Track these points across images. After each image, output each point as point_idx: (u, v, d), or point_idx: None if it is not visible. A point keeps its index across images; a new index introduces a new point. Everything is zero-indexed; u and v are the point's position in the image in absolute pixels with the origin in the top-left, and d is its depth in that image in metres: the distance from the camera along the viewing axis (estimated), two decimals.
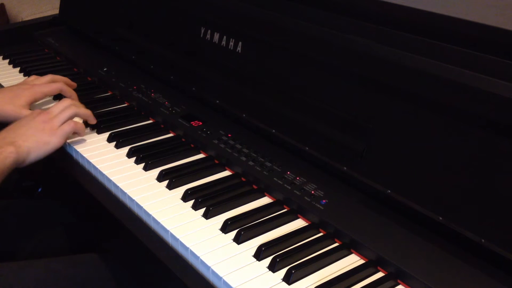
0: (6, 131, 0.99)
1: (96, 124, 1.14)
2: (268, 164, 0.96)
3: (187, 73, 1.23)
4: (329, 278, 0.75)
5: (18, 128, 0.99)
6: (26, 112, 1.09)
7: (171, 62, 1.28)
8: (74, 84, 1.25)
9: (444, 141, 0.81)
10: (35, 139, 0.98)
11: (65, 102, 1.07)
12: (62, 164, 1.09)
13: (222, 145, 1.02)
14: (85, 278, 1.01)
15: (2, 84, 1.36)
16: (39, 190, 1.52)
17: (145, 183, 0.95)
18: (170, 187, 0.93)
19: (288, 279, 0.74)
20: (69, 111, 1.05)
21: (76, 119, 1.10)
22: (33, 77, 1.22)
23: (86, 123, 1.13)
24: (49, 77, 1.21)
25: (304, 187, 0.90)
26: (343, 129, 0.93)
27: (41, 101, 1.22)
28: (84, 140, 1.09)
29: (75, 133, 1.08)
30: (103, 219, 1.04)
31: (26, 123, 1.01)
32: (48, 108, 1.06)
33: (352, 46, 0.93)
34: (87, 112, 1.09)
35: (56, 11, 1.73)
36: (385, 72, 0.88)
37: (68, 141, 1.07)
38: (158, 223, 0.85)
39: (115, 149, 1.06)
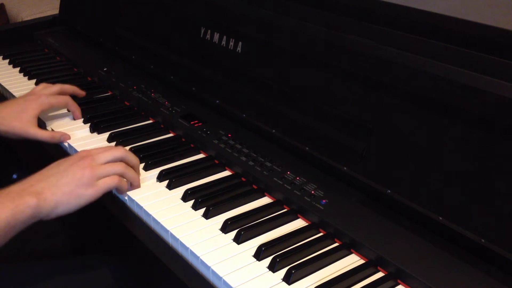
0: (38, 177, 0.86)
1: (96, 124, 1.14)
2: (268, 164, 0.96)
3: (187, 73, 1.23)
4: (329, 278, 0.75)
5: (52, 176, 0.86)
6: (34, 129, 1.06)
7: (171, 62, 1.28)
8: (83, 93, 1.22)
9: (444, 141, 0.81)
10: (67, 191, 0.84)
11: (115, 152, 0.92)
12: None
13: (222, 145, 1.02)
14: (85, 279, 1.00)
15: (2, 84, 1.36)
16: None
17: (145, 183, 0.95)
18: (170, 187, 0.93)
19: (288, 279, 0.74)
20: (117, 168, 0.90)
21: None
22: (41, 86, 1.17)
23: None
24: (57, 87, 1.16)
25: (304, 187, 0.90)
26: (343, 129, 0.93)
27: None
28: (84, 141, 1.09)
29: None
30: (104, 220, 1.04)
31: (63, 170, 0.87)
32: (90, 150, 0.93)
33: (353, 46, 0.93)
34: (135, 177, 0.93)
35: (56, 11, 1.73)
36: (385, 72, 0.88)
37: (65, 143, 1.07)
38: (158, 223, 0.85)
39: None
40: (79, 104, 1.21)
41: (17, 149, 1.45)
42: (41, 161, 1.01)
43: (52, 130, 1.13)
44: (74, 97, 1.19)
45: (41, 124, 1.16)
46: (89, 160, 0.88)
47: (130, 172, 0.92)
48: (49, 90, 1.15)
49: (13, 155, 1.50)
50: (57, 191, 0.84)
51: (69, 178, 0.85)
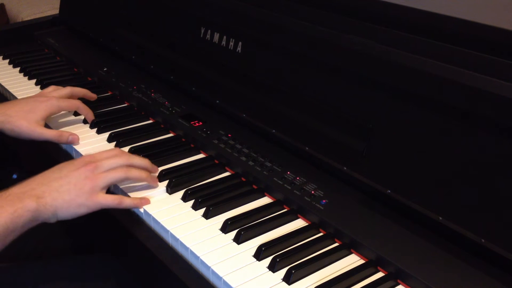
0: (40, 180, 0.85)
1: (96, 123, 1.14)
2: (268, 164, 0.96)
3: (187, 73, 1.23)
4: (329, 278, 0.75)
5: (54, 180, 0.84)
6: (40, 129, 1.04)
7: (171, 62, 1.28)
8: (95, 96, 1.20)
9: (444, 141, 0.81)
10: (67, 199, 0.82)
11: (119, 159, 0.89)
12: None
13: (222, 145, 1.02)
14: (85, 279, 1.00)
15: (2, 84, 1.36)
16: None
17: (145, 183, 0.95)
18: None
19: (288, 279, 0.74)
20: (118, 174, 0.88)
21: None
22: (51, 88, 1.14)
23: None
24: (68, 89, 1.14)
25: (304, 187, 0.90)
26: (343, 129, 0.93)
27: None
28: (84, 141, 1.09)
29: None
30: (104, 219, 1.04)
31: (65, 175, 0.85)
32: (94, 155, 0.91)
33: (352, 46, 0.93)
34: (141, 175, 0.91)
35: (56, 11, 1.73)
36: (385, 72, 0.88)
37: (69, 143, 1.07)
38: (158, 223, 0.85)
39: None
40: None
41: (17, 149, 1.45)
42: (41, 161, 1.01)
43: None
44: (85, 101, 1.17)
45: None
46: (91, 167, 0.86)
47: (133, 173, 0.90)
48: (59, 92, 1.13)
49: (13, 155, 1.50)
50: (58, 197, 0.82)
51: (71, 185, 0.84)
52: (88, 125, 1.14)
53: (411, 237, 0.80)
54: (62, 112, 1.18)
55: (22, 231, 0.80)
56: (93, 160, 0.88)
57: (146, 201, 0.90)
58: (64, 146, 1.10)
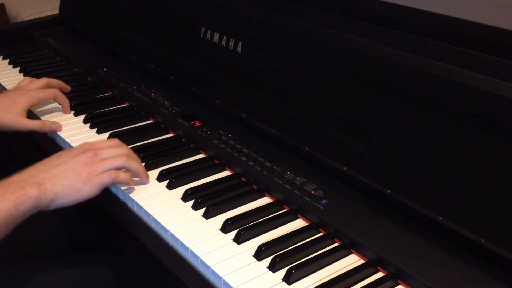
0: (39, 167, 0.86)
1: (96, 123, 1.14)
2: (268, 164, 0.96)
3: (187, 73, 1.23)
4: (329, 278, 0.75)
5: (53, 167, 0.86)
6: (24, 120, 1.08)
7: (171, 62, 1.28)
8: (69, 88, 1.24)
9: (444, 141, 0.81)
10: (66, 184, 0.84)
11: (119, 149, 0.93)
12: None
13: (222, 145, 1.02)
14: (85, 279, 1.00)
15: (2, 84, 1.36)
16: None
17: (145, 183, 0.95)
18: (170, 187, 0.93)
19: (288, 279, 0.74)
20: (118, 161, 0.90)
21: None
22: (27, 80, 1.18)
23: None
24: (44, 80, 1.18)
25: (304, 187, 0.90)
26: (343, 129, 0.93)
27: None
28: (83, 141, 1.09)
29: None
30: (104, 219, 1.04)
31: (64, 162, 0.87)
32: (93, 144, 0.93)
33: (352, 46, 0.93)
34: (139, 168, 0.93)
35: (56, 11, 1.73)
36: (385, 72, 0.88)
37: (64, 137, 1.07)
38: (158, 223, 0.85)
39: None
40: (81, 104, 1.21)
41: (17, 149, 1.45)
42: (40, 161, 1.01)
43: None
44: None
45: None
46: (90, 154, 0.89)
47: (132, 164, 0.92)
48: (36, 84, 1.17)
49: (12, 155, 1.50)
50: (57, 182, 0.84)
51: (70, 172, 0.86)
52: (88, 125, 1.14)
53: (411, 237, 0.80)
54: (63, 112, 1.19)
55: (23, 218, 0.82)
56: (91, 148, 0.91)
57: (133, 182, 0.93)
58: (63, 145, 1.10)
